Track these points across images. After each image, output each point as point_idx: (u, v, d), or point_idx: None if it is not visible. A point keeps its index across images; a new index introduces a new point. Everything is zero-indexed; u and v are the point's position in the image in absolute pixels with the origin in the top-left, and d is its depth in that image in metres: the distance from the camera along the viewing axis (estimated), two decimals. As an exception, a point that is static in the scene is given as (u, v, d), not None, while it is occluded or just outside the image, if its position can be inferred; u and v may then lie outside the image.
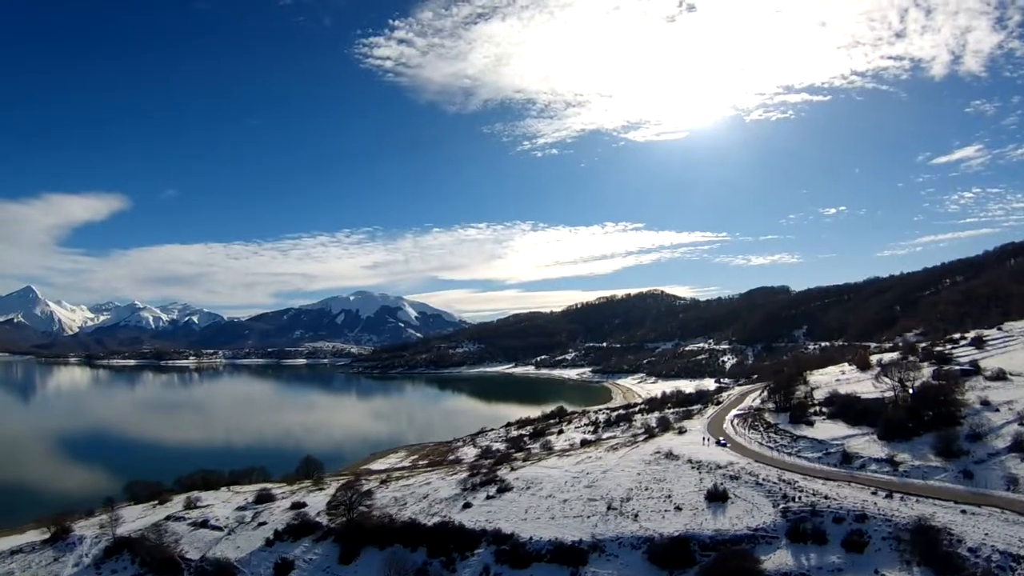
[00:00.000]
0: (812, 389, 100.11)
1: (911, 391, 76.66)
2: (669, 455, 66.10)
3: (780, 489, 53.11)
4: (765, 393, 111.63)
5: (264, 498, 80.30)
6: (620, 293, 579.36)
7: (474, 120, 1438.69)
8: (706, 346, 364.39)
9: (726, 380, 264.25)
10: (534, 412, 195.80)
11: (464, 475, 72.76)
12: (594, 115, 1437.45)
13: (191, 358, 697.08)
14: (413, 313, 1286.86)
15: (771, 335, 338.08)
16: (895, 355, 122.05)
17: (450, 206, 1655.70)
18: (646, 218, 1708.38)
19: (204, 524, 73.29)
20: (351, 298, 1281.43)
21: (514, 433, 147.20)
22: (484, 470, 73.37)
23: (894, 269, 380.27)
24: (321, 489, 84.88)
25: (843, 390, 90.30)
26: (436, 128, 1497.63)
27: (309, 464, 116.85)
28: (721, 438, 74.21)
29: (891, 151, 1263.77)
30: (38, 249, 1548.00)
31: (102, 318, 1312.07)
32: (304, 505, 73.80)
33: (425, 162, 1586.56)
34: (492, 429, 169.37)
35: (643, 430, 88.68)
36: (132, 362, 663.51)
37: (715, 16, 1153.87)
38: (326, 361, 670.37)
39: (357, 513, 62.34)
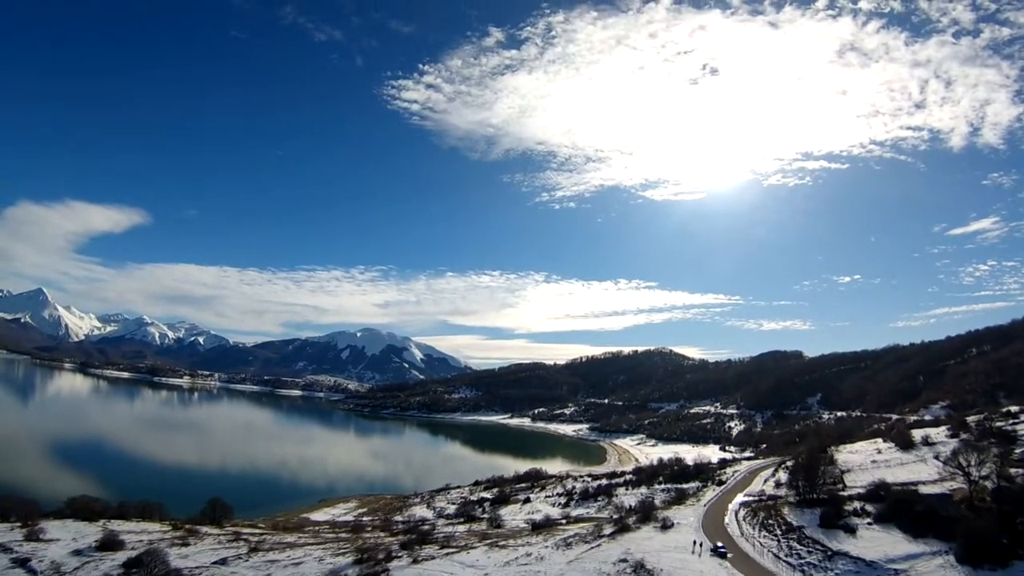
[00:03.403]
0: (843, 472, 77.52)
1: (991, 485, 54.77)
2: (639, 568, 43.83)
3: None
4: (781, 474, 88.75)
5: (108, 545, 63.23)
6: (627, 349, 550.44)
7: (495, 168, 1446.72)
8: (712, 409, 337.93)
9: (732, 448, 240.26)
10: (518, 466, 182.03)
11: (347, 560, 51.21)
12: (613, 171, 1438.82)
13: (185, 377, 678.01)
14: (419, 355, 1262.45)
15: (782, 402, 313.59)
16: (943, 431, 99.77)
17: (465, 251, 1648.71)
18: (659, 277, 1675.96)
19: (23, 564, 58.66)
20: (358, 334, 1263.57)
21: (475, 496, 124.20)
22: (381, 555, 51.82)
23: (908, 340, 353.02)
24: (185, 544, 65.44)
25: (888, 477, 67.88)
26: (457, 173, 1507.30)
27: (215, 507, 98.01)
28: (719, 543, 51.27)
29: (907, 221, 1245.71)
30: (55, 253, 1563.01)
31: (109, 328, 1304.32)
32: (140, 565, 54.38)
33: (444, 206, 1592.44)
34: (457, 487, 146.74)
35: (616, 519, 65.42)
36: (126, 375, 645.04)
37: (737, 81, 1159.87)
38: (321, 395, 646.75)
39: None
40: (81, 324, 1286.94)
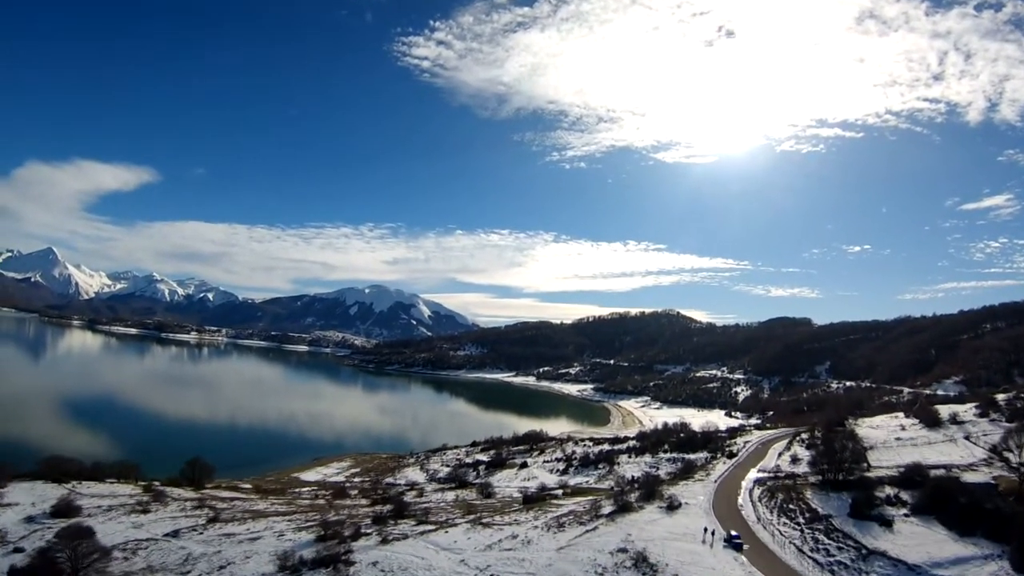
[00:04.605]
0: (866, 450, 70.84)
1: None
2: (641, 562, 37.61)
3: None
4: (797, 447, 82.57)
5: (63, 512, 58.33)
6: (634, 311, 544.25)
7: (505, 127, 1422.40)
8: (719, 374, 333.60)
9: (738, 414, 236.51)
10: (520, 425, 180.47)
11: (310, 537, 45.62)
12: (625, 132, 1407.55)
13: (193, 333, 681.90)
14: (427, 312, 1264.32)
15: (790, 368, 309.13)
16: (970, 408, 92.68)
17: (475, 210, 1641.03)
18: (668, 240, 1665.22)
19: (-28, 530, 53.96)
20: (366, 291, 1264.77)
21: (471, 458, 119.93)
22: (347, 532, 46.22)
23: (916, 312, 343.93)
24: (145, 511, 60.00)
25: (917, 458, 61.36)
26: (467, 131, 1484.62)
27: (195, 468, 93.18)
28: (734, 532, 44.67)
29: (920, 193, 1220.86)
30: (65, 212, 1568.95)
31: (119, 286, 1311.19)
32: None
33: (454, 164, 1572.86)
34: (454, 447, 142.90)
35: (616, 493, 59.35)
36: (133, 331, 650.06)
37: (753, 44, 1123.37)
38: (327, 350, 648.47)
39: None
40: (91, 282, 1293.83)
